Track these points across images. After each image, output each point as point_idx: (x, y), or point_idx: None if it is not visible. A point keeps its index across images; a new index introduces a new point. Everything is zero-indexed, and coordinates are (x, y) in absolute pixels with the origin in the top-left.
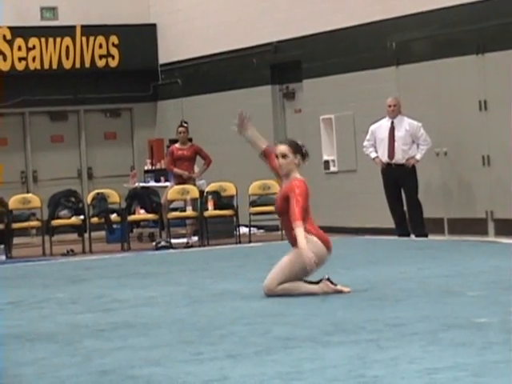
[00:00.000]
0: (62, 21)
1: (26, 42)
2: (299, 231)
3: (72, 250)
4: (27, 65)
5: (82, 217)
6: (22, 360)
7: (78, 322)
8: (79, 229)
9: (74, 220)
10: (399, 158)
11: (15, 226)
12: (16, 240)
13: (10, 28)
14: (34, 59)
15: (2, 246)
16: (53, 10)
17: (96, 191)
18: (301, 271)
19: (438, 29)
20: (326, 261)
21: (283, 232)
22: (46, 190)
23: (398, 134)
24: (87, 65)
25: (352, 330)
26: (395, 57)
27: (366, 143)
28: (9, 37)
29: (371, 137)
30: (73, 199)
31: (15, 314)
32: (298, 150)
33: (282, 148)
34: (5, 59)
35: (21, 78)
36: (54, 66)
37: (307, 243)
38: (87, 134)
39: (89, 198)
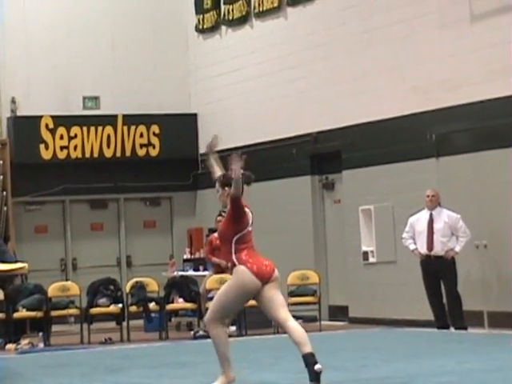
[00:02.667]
0: (104, 110)
1: (68, 131)
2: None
3: (110, 339)
4: (69, 153)
5: (120, 305)
6: None
7: None
8: (117, 317)
9: (113, 308)
10: (438, 249)
11: (54, 313)
12: (54, 328)
13: (53, 117)
14: (75, 148)
15: (41, 334)
16: (95, 99)
17: (135, 279)
18: (234, 299)
19: (479, 121)
20: (256, 290)
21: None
22: (85, 277)
23: (437, 225)
24: (128, 154)
25: None
26: (435, 148)
27: (404, 235)
28: (51, 126)
29: (410, 229)
30: (112, 287)
31: None
32: (225, 182)
33: (216, 185)
34: (47, 148)
35: (62, 167)
36: (95, 155)
37: (235, 273)
38: (127, 223)
39: (127, 287)
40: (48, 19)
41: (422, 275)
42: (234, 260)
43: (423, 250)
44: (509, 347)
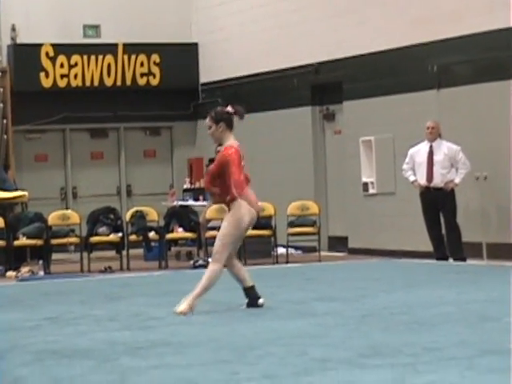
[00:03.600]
0: (105, 38)
1: (69, 59)
2: (249, 196)
3: (110, 267)
4: (69, 82)
5: (120, 234)
6: (59, 376)
7: (114, 340)
8: (117, 246)
9: (113, 237)
10: (438, 181)
11: (54, 241)
12: (55, 256)
13: (53, 45)
14: (75, 76)
15: (41, 262)
16: (95, 27)
17: (135, 209)
18: (239, 235)
19: (480, 53)
20: (254, 220)
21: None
22: (86, 206)
23: (437, 157)
24: (128, 83)
25: (389, 354)
26: (436, 80)
27: (404, 166)
28: (51, 54)
29: (410, 160)
30: (112, 216)
31: (53, 330)
32: (218, 118)
33: (206, 120)
34: (47, 76)
35: (62, 95)
36: (96, 84)
37: (234, 210)
38: (127, 152)
39: (127, 216)
40: None
41: (422, 207)
42: (234, 193)
43: (423, 181)
44: (507, 278)
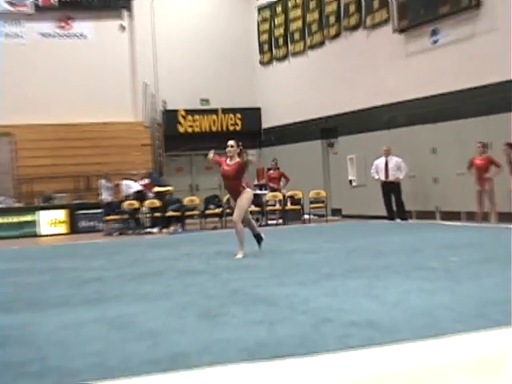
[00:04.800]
0: (212, 105)
1: (193, 117)
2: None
3: (216, 227)
4: (193, 129)
5: (221, 209)
6: (190, 283)
7: (218, 265)
8: (220, 215)
9: (217, 211)
10: (391, 178)
11: (186, 213)
12: (187, 221)
13: (184, 110)
14: (196, 126)
15: (180, 224)
16: (206, 100)
17: (228, 195)
18: (248, 206)
19: (410, 109)
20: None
21: (231, 193)
22: (203, 194)
23: (390, 165)
24: (224, 129)
25: (363, 270)
26: (387, 125)
27: (372, 170)
28: (183, 114)
29: (375, 167)
30: (216, 200)
31: (186, 260)
32: (238, 145)
33: (231, 142)
34: (181, 126)
35: (190, 137)
36: (207, 130)
37: (245, 193)
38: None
39: (225, 199)
40: (180, 50)
41: (382, 192)
42: (244, 186)
43: (382, 178)
44: (426, 229)
